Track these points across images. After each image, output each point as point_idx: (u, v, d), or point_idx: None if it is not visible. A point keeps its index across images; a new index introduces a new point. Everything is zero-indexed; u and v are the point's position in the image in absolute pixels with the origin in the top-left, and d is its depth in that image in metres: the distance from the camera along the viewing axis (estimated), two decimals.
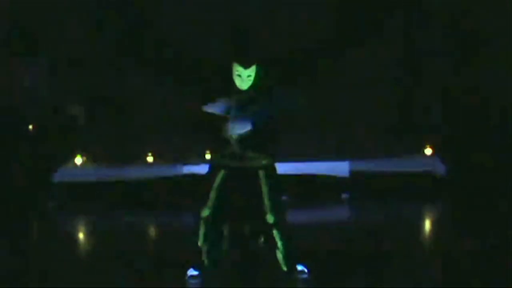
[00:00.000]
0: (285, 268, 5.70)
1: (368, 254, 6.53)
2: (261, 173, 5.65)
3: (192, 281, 5.68)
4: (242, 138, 5.58)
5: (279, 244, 5.66)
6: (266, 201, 5.62)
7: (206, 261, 5.68)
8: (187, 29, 10.74)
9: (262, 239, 5.76)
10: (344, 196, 9.28)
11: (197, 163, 9.26)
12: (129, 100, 10.86)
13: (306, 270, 5.72)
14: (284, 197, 8.93)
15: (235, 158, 5.63)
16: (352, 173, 9.31)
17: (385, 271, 5.95)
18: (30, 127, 10.67)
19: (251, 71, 5.63)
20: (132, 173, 9.44)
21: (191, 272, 5.72)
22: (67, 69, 10.71)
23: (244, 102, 5.63)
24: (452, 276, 5.87)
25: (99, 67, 10.71)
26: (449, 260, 6.38)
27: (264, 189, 5.64)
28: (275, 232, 5.63)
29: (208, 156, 9.26)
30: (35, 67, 10.88)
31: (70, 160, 9.63)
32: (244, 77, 5.63)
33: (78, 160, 9.57)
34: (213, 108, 5.75)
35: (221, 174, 5.64)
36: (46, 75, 10.86)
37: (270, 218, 5.62)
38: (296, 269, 5.73)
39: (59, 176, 9.36)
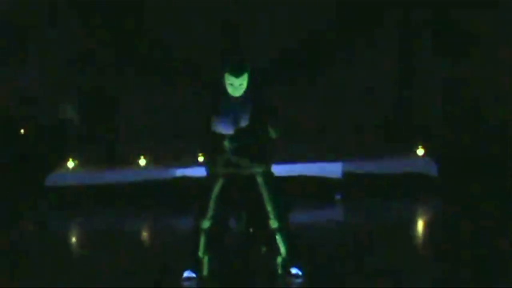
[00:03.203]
0: (280, 272, 5.73)
1: (361, 255, 6.55)
2: (259, 179, 5.67)
3: (187, 283, 5.69)
4: (237, 146, 5.60)
5: (282, 249, 5.68)
6: (268, 207, 5.64)
7: (205, 270, 5.70)
8: (183, 33, 10.72)
9: (265, 248, 5.79)
10: (337, 197, 9.28)
11: (189, 166, 9.25)
12: (121, 102, 10.85)
13: (300, 273, 5.74)
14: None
15: (231, 166, 5.64)
16: (345, 174, 9.30)
17: (378, 272, 5.97)
18: (22, 131, 10.64)
19: (243, 79, 5.66)
20: (124, 176, 9.40)
21: (187, 274, 5.74)
22: (60, 71, 10.68)
23: (239, 107, 5.66)
24: (445, 275, 5.89)
25: (93, 70, 10.68)
26: (442, 260, 6.40)
27: (265, 195, 5.65)
28: (278, 237, 5.65)
29: (200, 159, 9.26)
30: (28, 69, 10.84)
31: (63, 164, 9.59)
32: (236, 86, 5.66)
33: (70, 163, 9.53)
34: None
35: (219, 183, 5.66)
36: (39, 78, 10.82)
37: (273, 223, 5.64)
38: (290, 272, 5.75)
39: (52, 180, 9.31)
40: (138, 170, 9.52)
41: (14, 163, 10.23)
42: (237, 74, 5.63)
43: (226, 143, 5.61)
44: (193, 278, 5.73)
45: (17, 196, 9.61)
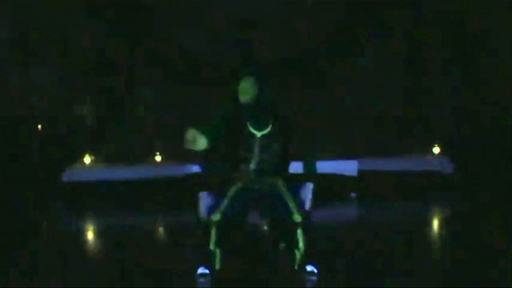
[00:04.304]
0: (297, 267, 5.75)
1: (376, 254, 6.53)
2: (279, 182, 5.75)
3: (201, 279, 5.72)
4: (260, 160, 5.69)
5: (301, 244, 5.71)
6: (291, 202, 5.69)
7: (217, 264, 5.74)
8: (195, 32, 10.75)
9: (284, 244, 5.84)
10: (352, 195, 9.27)
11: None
12: (137, 100, 10.90)
13: (316, 271, 5.75)
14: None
15: (251, 178, 5.73)
16: (361, 172, 9.28)
17: (393, 271, 5.96)
18: (39, 126, 10.71)
19: (252, 81, 5.77)
20: (140, 172, 9.45)
21: (201, 270, 5.77)
22: (76, 69, 10.74)
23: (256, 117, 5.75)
24: (460, 274, 5.87)
25: (108, 68, 10.73)
26: (458, 259, 6.38)
27: (285, 193, 5.71)
28: (299, 231, 5.69)
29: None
30: (44, 68, 10.90)
31: (79, 160, 9.65)
32: (247, 88, 5.76)
33: (87, 159, 9.58)
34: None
35: (236, 185, 5.73)
36: (55, 76, 10.89)
37: (297, 218, 5.68)
38: (305, 269, 5.76)
39: (68, 175, 9.37)
40: (154, 167, 9.56)
41: (31, 159, 10.29)
42: (245, 75, 5.74)
43: (249, 168, 5.72)
44: (207, 274, 5.76)
45: (34, 192, 9.67)
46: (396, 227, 7.74)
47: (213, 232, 5.70)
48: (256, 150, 5.73)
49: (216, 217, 5.70)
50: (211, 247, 5.72)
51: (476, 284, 5.57)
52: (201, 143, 5.55)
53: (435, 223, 8.47)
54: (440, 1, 10.72)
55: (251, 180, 5.76)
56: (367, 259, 6.34)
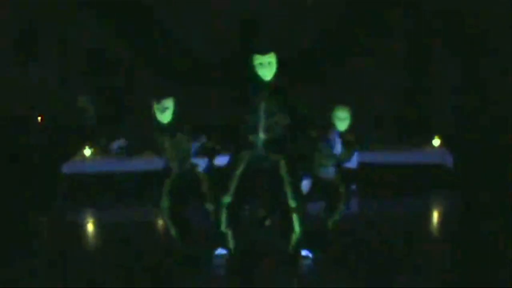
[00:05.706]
0: (291, 251, 5.76)
1: (375, 246, 6.53)
2: (282, 163, 5.78)
3: (219, 259, 5.77)
4: (266, 141, 5.71)
5: (296, 228, 5.74)
6: (288, 188, 5.73)
7: (231, 245, 5.79)
8: (198, 28, 10.78)
9: (268, 222, 5.89)
10: (351, 187, 9.25)
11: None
12: (139, 93, 10.93)
13: (310, 255, 5.76)
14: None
15: (258, 159, 5.77)
16: (360, 164, 9.28)
17: (391, 263, 5.95)
18: (39, 118, 10.75)
19: (271, 57, 5.71)
20: (140, 165, 9.45)
21: (218, 251, 5.83)
22: (78, 64, 10.80)
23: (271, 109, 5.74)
24: (461, 266, 5.86)
25: (112, 62, 10.78)
26: (458, 251, 6.36)
27: (285, 177, 5.75)
28: (295, 216, 5.71)
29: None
30: (46, 64, 10.96)
31: (79, 152, 9.67)
32: (265, 64, 5.72)
33: (87, 151, 9.60)
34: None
35: (243, 164, 5.77)
36: (57, 71, 10.95)
37: (292, 203, 5.71)
38: (300, 253, 5.78)
39: (68, 167, 9.39)
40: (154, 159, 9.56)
41: (31, 151, 10.33)
42: (264, 51, 5.70)
43: (258, 138, 5.72)
44: (225, 254, 5.83)
45: (34, 184, 9.68)
46: (395, 219, 7.74)
47: (223, 215, 5.75)
48: (262, 116, 5.72)
49: (226, 199, 5.76)
50: (223, 229, 5.78)
51: (478, 275, 5.56)
52: (167, 115, 6.09)
53: (435, 215, 8.45)
54: (440, 1, 10.70)
55: (257, 157, 5.77)
56: (365, 251, 6.34)
